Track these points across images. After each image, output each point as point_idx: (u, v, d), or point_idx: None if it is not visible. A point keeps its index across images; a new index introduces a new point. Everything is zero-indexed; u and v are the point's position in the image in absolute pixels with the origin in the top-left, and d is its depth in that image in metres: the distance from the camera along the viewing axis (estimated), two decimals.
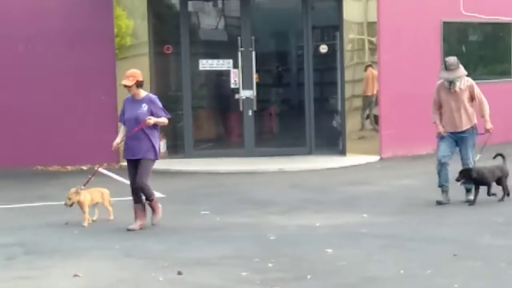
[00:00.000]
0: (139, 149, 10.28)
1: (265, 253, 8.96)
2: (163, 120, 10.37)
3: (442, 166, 11.66)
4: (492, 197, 11.53)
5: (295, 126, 18.36)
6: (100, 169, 16.60)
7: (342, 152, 16.83)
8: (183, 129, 17.58)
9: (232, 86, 17.37)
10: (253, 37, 17.25)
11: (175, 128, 17.80)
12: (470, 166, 11.47)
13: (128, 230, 10.20)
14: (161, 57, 17.76)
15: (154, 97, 10.55)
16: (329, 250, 8.98)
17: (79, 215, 10.83)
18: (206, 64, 17.49)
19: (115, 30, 16.95)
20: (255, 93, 17.29)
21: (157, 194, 13.03)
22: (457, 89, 11.62)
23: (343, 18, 17.13)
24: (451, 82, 11.58)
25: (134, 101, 10.38)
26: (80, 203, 10.71)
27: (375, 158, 16.37)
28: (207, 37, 19.05)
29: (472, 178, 11.35)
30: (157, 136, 10.40)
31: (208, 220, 11.04)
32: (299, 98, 18.86)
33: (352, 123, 17.36)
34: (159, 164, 16.24)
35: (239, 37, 17.27)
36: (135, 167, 10.36)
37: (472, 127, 11.72)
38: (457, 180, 11.35)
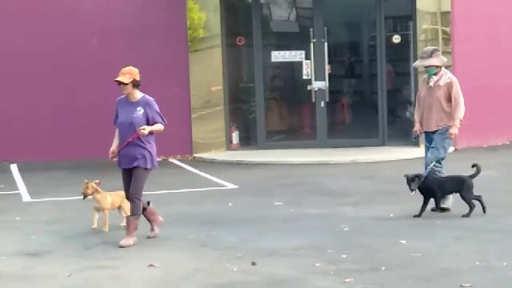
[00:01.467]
0: (134, 157, 9.25)
1: (338, 244, 8.94)
2: (159, 127, 9.34)
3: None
4: (445, 212, 10.38)
5: (367, 117, 18.26)
6: (174, 160, 16.84)
7: (416, 143, 16.67)
8: (255, 120, 17.62)
9: (304, 77, 17.34)
10: (325, 28, 17.20)
11: (247, 119, 17.88)
12: (423, 172, 10.32)
13: (149, 238, 9.49)
14: (233, 49, 17.83)
15: (150, 99, 9.41)
16: (403, 241, 8.92)
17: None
18: (278, 56, 17.49)
19: (188, 22, 17.05)
20: (327, 84, 17.24)
21: (230, 186, 13.17)
22: (431, 84, 10.58)
23: (416, 7, 16.93)
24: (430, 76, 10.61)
25: (129, 103, 9.32)
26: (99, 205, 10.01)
27: (449, 149, 16.15)
28: (279, 28, 19.04)
29: (418, 185, 10.14)
30: (152, 142, 9.41)
31: (281, 211, 11.05)
32: (371, 89, 18.76)
33: None
34: (231, 156, 16.53)
35: (311, 29, 17.22)
36: (128, 176, 9.38)
37: (445, 129, 10.51)
38: (411, 189, 10.12)
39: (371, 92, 18.79)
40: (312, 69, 17.18)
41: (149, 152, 9.30)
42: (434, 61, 10.56)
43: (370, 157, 15.92)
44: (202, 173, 14.88)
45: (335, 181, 13.45)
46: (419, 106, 10.79)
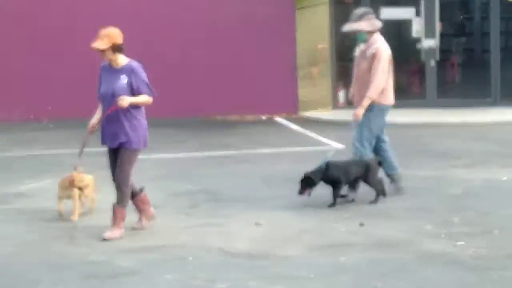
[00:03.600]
0: (116, 135, 7.81)
1: (449, 206, 8.71)
2: (143, 99, 7.80)
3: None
4: (351, 200, 9.15)
5: (478, 77, 17.75)
6: (279, 119, 16.75)
7: None
8: None
9: (414, 35, 16.93)
10: None
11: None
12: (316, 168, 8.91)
13: (134, 228, 8.08)
14: (341, 7, 17.51)
15: (136, 65, 7.88)
16: None
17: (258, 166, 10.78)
18: (388, 13, 17.09)
19: None
20: (438, 43, 16.78)
21: (336, 145, 12.96)
22: (356, 54, 9.28)
23: None
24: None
25: (112, 70, 7.85)
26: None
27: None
28: None
29: (315, 184, 8.84)
30: (140, 116, 7.91)
31: None
32: (483, 47, 18.22)
33: None
34: (337, 115, 16.31)
35: None
36: (114, 156, 7.98)
37: (372, 106, 9.09)
38: (300, 193, 8.84)
39: (482, 50, 18.25)
40: (422, 27, 16.75)
41: (136, 129, 7.82)
42: (362, 25, 9.03)
43: (481, 118, 15.47)
44: (307, 132, 14.73)
45: (445, 143, 13.12)
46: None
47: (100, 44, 7.72)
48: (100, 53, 7.76)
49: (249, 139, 14.01)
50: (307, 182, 8.81)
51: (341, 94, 17.14)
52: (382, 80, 9.04)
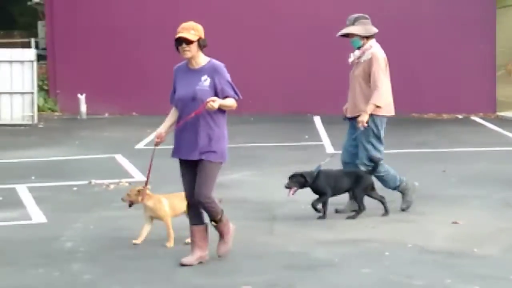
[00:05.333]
0: (195, 145, 6.76)
1: None
2: (231, 103, 6.77)
3: (344, 165, 8.70)
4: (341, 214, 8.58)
5: None
6: (475, 118, 16.45)
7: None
8: None
9: None
10: None
11: None
12: (316, 169, 8.38)
13: (182, 265, 6.83)
14: None
15: (219, 65, 6.84)
16: None
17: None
18: None
19: None
20: None
21: None
22: (350, 60, 8.61)
23: None
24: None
25: (190, 71, 6.84)
26: (159, 216, 7.44)
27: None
28: None
29: (304, 186, 8.30)
30: (223, 124, 6.86)
31: None
32: None
33: None
34: None
35: None
36: (190, 171, 6.87)
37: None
38: (287, 187, 8.31)
39: None
40: None
41: (219, 139, 6.80)
42: (355, 29, 8.48)
43: None
44: (505, 132, 14.42)
45: None
46: None
47: (187, 34, 6.72)
48: (183, 48, 6.72)
49: (445, 137, 13.89)
50: (296, 179, 8.26)
51: None
52: (387, 84, 8.49)
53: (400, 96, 16.86)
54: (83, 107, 17.79)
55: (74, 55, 18.20)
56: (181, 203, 7.27)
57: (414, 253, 7.13)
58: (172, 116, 6.94)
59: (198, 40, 6.74)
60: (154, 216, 7.39)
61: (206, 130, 6.73)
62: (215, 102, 6.62)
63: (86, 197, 9.51)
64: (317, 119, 16.68)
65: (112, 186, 10.17)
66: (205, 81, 6.72)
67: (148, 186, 7.31)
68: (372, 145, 8.48)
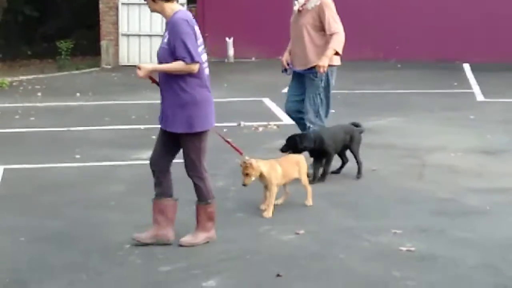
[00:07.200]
0: (165, 116, 5.92)
1: None
2: (174, 66, 5.72)
3: (293, 120, 8.16)
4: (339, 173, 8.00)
5: None
6: None
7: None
8: None
9: None
10: None
11: None
12: (306, 130, 7.81)
13: (133, 239, 5.99)
14: None
15: (176, 19, 5.76)
16: None
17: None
18: None
19: None
20: None
21: None
22: (295, 8, 7.90)
23: None
24: None
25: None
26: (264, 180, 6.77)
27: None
28: None
29: (300, 149, 7.45)
30: (191, 88, 5.84)
31: None
32: None
33: None
34: None
35: None
36: (161, 137, 6.04)
37: (314, 71, 7.78)
38: (282, 150, 7.50)
39: None
40: None
41: (185, 109, 5.82)
42: None
43: None
44: None
45: None
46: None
47: None
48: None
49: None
50: (291, 143, 7.51)
51: None
52: (341, 29, 7.75)
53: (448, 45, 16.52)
54: (231, 51, 18.01)
55: None
56: (293, 168, 6.90)
57: None
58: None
59: None
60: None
61: (172, 97, 5.82)
62: (141, 70, 5.74)
63: (236, 139, 9.67)
64: (466, 66, 16.32)
65: (260, 129, 10.32)
66: (165, 38, 5.81)
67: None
68: (321, 98, 7.89)
